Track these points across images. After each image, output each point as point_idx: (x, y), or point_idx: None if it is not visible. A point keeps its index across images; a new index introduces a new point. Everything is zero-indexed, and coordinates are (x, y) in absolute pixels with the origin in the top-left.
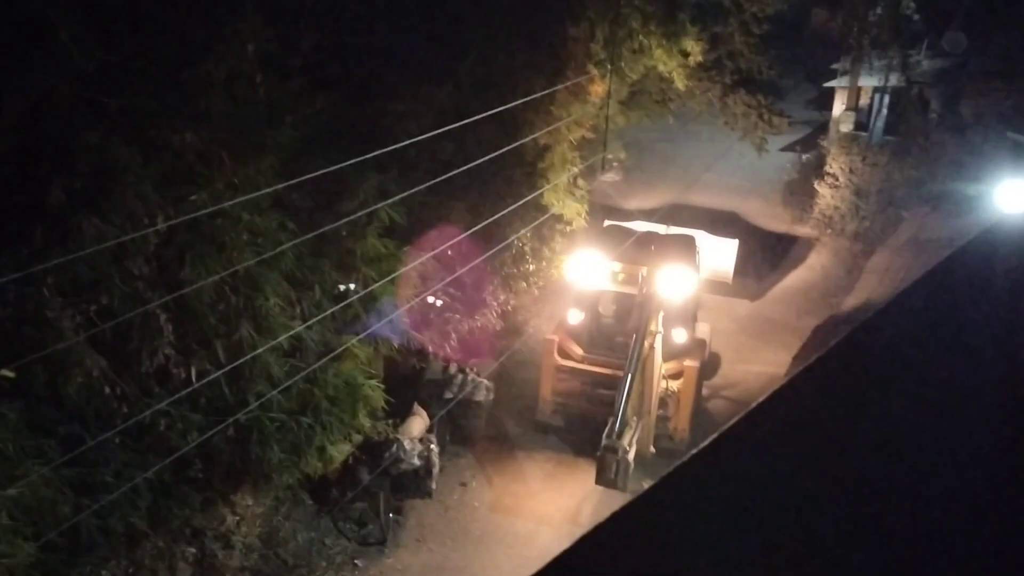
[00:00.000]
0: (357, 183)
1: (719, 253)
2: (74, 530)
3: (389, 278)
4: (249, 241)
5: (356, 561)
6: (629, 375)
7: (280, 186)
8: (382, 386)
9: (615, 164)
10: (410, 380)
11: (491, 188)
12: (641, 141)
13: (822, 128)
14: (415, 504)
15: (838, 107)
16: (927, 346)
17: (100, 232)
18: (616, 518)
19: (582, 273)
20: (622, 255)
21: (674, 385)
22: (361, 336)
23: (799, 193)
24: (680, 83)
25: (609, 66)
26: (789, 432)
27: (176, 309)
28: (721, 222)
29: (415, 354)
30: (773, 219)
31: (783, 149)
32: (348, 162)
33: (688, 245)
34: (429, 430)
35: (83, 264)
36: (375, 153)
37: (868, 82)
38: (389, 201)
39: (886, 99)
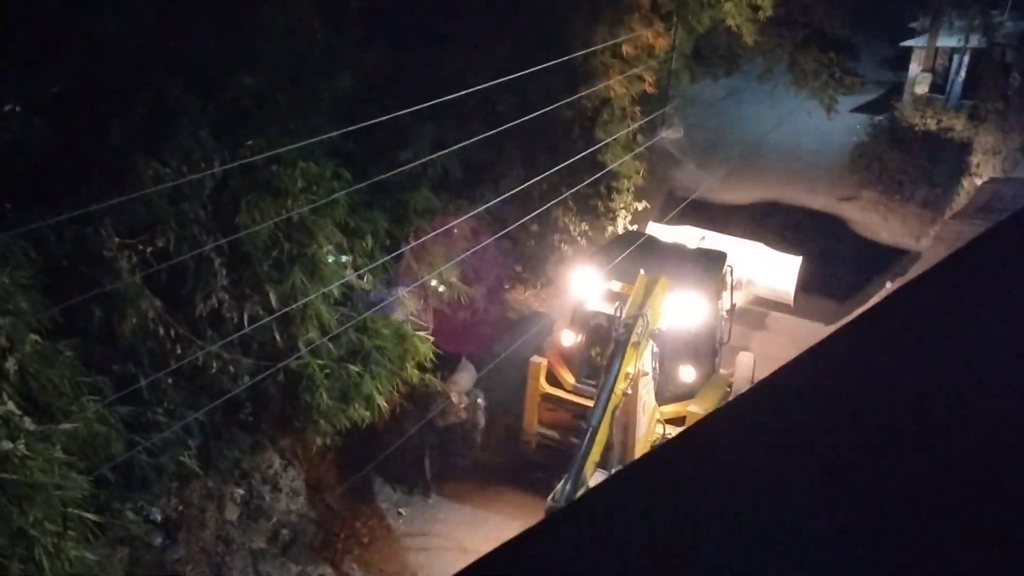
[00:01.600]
0: (412, 133)
1: (779, 270)
2: (127, 467)
3: (441, 230)
4: (303, 188)
5: (400, 510)
6: (591, 427)
7: (335, 133)
8: (431, 338)
9: (676, 122)
10: (459, 333)
11: (548, 142)
12: (705, 98)
13: (896, 89)
14: (461, 455)
15: (914, 68)
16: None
17: (157, 174)
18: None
19: (580, 289)
20: (629, 273)
21: (673, 432)
22: (411, 288)
23: (868, 156)
24: (749, 38)
25: (675, 18)
26: (806, 401)
27: (230, 254)
28: (806, 222)
29: (465, 307)
30: (870, 225)
31: (854, 110)
32: (404, 111)
33: (709, 266)
34: (476, 384)
35: (140, 205)
36: (431, 103)
37: (947, 42)
38: (443, 152)
39: (965, 60)
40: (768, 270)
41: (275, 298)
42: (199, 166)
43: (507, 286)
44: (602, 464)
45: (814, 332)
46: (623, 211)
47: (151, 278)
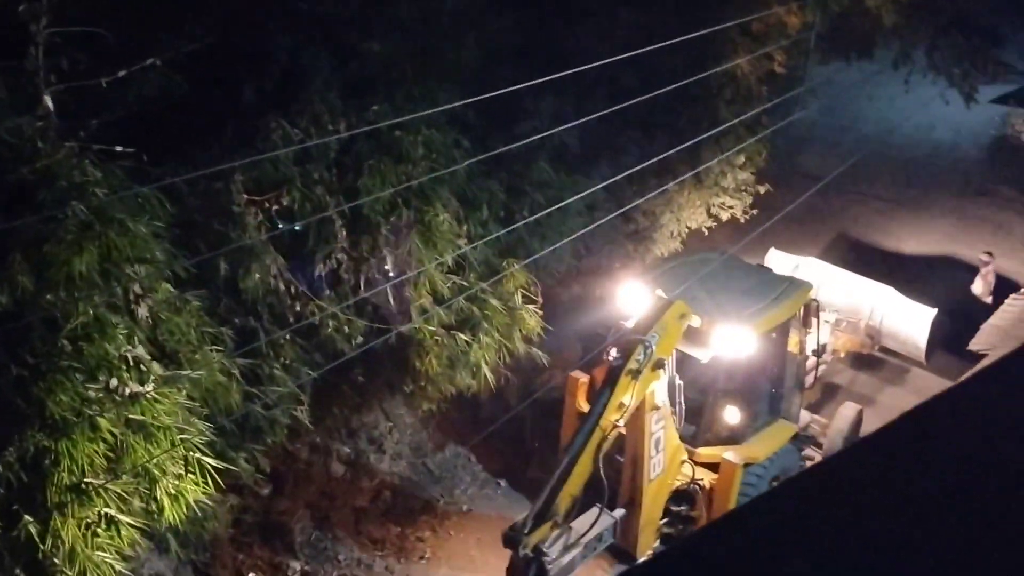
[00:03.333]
0: (533, 106)
1: (910, 320)
2: (243, 417)
3: (557, 206)
4: (424, 155)
5: (499, 480)
6: (568, 457)
7: (458, 104)
8: (540, 312)
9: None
10: (568, 310)
11: (669, 120)
12: (838, 81)
13: None
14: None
15: None
16: None
17: (287, 134)
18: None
19: (626, 305)
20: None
21: (706, 479)
22: (525, 262)
23: (1006, 150)
24: (887, 20)
25: None
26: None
27: (351, 216)
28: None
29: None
30: (1004, 223)
31: (994, 101)
32: (526, 84)
33: (779, 297)
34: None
35: (268, 164)
36: (556, 76)
37: None
38: (564, 127)
39: None
40: (897, 318)
41: (391, 263)
42: (326, 128)
43: (618, 264)
44: (609, 503)
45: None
46: (744, 193)
47: (275, 236)
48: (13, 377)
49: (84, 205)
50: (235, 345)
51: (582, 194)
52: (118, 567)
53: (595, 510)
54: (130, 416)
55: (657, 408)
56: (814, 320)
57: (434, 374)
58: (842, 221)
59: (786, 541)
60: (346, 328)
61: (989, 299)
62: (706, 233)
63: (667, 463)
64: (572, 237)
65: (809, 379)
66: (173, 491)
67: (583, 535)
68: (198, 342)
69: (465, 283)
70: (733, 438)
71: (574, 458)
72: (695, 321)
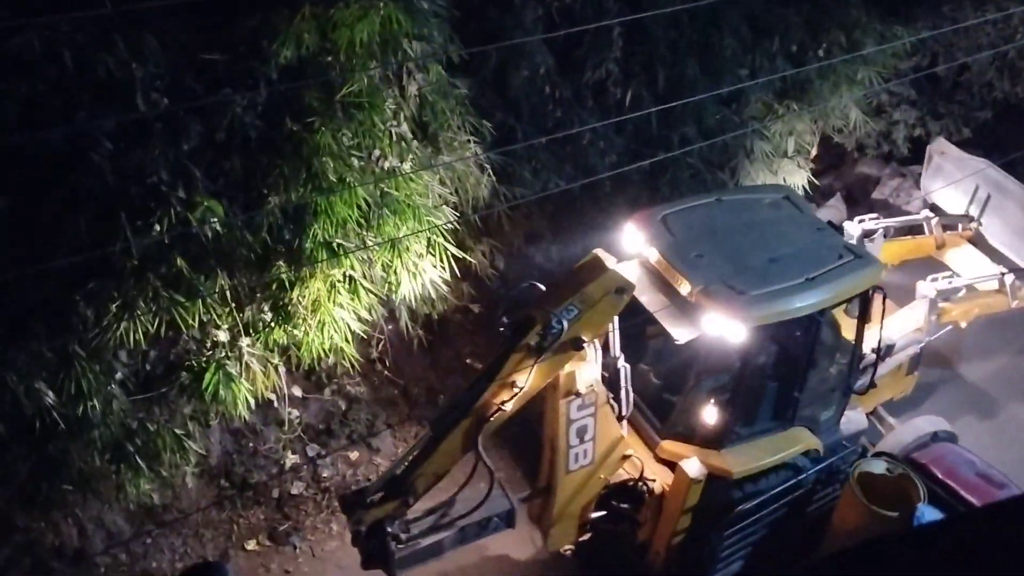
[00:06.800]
0: None
1: None
2: (487, 212)
3: (858, 53)
4: None
5: None
6: (432, 434)
7: None
8: (812, 165)
9: None
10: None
11: None
12: None
13: None
14: None
15: None
16: None
17: None
18: None
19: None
20: (672, 245)
21: (655, 479)
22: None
23: None
24: None
25: None
26: None
27: (631, 25)
28: None
29: None
30: None
31: None
32: None
33: (830, 268)
34: None
35: None
36: None
37: None
38: None
39: None
40: None
41: (662, 82)
42: None
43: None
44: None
45: None
46: None
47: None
48: (288, 130)
49: None
50: (491, 140)
51: (891, 44)
52: (353, 326)
53: (482, 491)
54: (385, 189)
55: (578, 395)
56: (877, 311)
57: None
58: None
59: None
60: (602, 143)
61: None
62: None
63: (599, 455)
64: (866, 91)
65: (862, 381)
66: (412, 268)
67: (460, 517)
68: (458, 130)
69: (735, 118)
70: (710, 441)
71: (439, 437)
72: (682, 287)
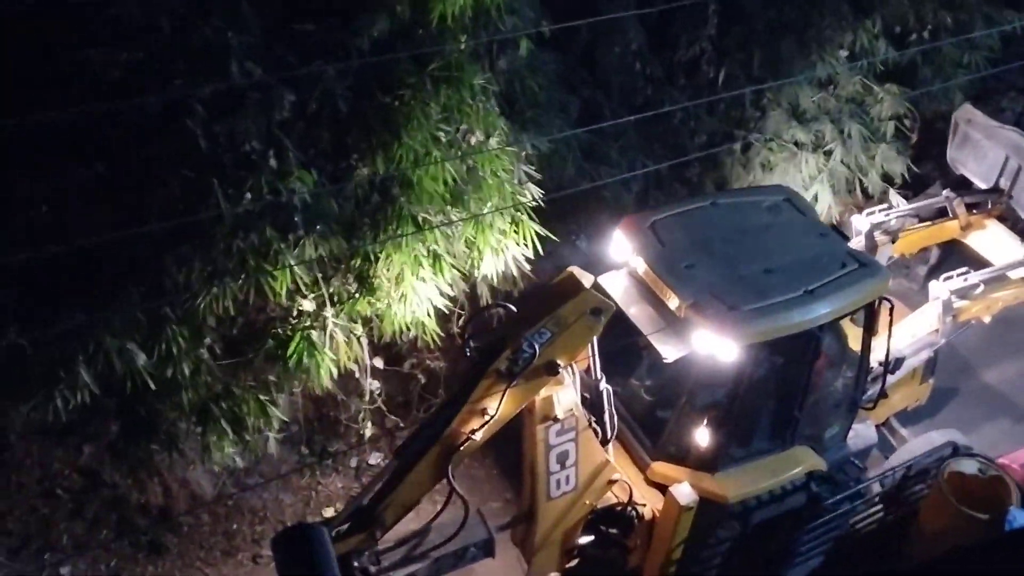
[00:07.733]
0: None
1: None
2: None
3: (965, 36)
4: None
5: None
6: (399, 463)
7: None
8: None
9: None
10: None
11: None
12: None
13: None
14: None
15: None
16: None
17: None
18: None
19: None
20: (663, 254)
21: (646, 504)
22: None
23: None
24: None
25: None
26: None
27: (727, 2)
28: None
29: None
30: None
31: None
32: None
33: (828, 281)
34: None
35: None
36: None
37: None
38: None
39: None
40: None
41: (757, 61)
42: None
43: None
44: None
45: None
46: None
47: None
48: (378, 102)
49: None
50: (579, 117)
51: (1000, 27)
52: (435, 301)
53: (458, 521)
54: (471, 164)
55: (556, 420)
56: (883, 324)
57: None
58: None
59: None
60: (692, 123)
61: None
62: None
63: (583, 480)
64: (971, 76)
65: (871, 394)
66: (496, 245)
67: (435, 547)
68: (546, 106)
69: (833, 100)
70: (704, 463)
71: (406, 467)
72: (671, 301)
